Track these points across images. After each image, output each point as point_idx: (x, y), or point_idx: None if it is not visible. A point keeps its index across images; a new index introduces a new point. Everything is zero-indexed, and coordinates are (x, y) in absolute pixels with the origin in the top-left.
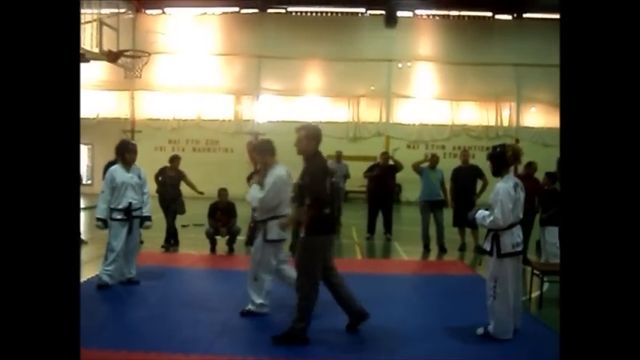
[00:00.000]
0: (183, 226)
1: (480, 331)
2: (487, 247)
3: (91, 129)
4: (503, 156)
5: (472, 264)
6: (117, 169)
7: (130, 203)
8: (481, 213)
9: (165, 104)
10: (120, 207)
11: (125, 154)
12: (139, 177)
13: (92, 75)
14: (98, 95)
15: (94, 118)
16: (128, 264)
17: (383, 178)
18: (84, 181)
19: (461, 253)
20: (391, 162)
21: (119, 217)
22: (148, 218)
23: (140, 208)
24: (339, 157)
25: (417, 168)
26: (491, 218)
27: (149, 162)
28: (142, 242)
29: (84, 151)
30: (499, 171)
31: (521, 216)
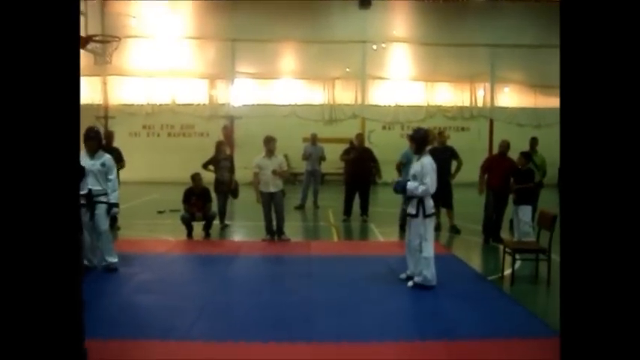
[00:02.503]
0: (160, 212)
1: (410, 284)
2: (413, 211)
3: None
4: (427, 137)
5: (448, 243)
6: (81, 156)
7: (90, 190)
8: (411, 184)
9: (138, 89)
10: (80, 193)
11: (86, 141)
12: (103, 164)
13: None
14: None
15: None
16: (104, 251)
17: (360, 161)
18: None
19: (436, 233)
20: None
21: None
22: (115, 205)
23: (104, 194)
24: (314, 139)
25: (399, 168)
26: (424, 187)
27: (124, 148)
28: (119, 228)
29: None
30: (421, 149)
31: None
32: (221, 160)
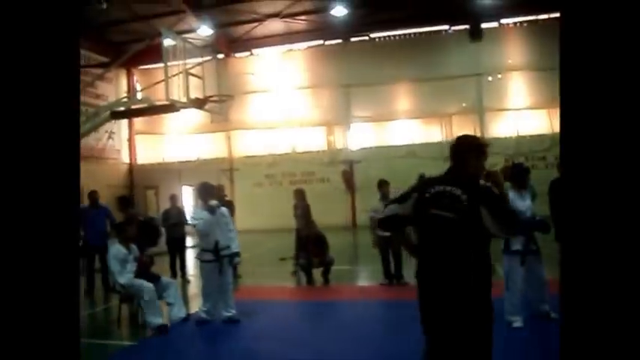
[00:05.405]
0: (282, 259)
1: (518, 324)
2: (534, 247)
3: (192, 171)
4: (529, 171)
5: None
6: (199, 212)
7: (217, 242)
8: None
9: (260, 141)
10: (208, 248)
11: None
12: (223, 215)
13: (192, 120)
14: (197, 139)
15: (194, 161)
16: (224, 303)
17: None
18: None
19: None
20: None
21: (208, 257)
22: (237, 254)
23: (228, 247)
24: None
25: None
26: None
27: (248, 198)
28: (239, 277)
29: (189, 192)
30: (526, 183)
31: None
32: (298, 207)
